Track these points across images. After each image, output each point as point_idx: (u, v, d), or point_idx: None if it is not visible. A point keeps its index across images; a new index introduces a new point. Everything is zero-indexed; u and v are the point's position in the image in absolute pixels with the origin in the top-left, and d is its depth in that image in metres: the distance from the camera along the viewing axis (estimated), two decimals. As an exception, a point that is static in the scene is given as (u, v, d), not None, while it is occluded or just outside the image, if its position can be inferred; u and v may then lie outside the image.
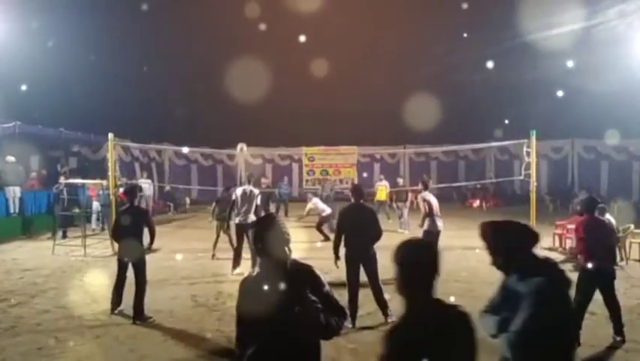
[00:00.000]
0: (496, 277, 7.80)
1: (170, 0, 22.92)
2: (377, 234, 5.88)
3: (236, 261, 8.31)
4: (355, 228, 5.90)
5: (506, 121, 21.66)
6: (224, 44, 22.47)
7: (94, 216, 13.82)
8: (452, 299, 6.72)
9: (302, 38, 21.98)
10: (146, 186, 15.82)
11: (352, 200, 6.26)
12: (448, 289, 7.36)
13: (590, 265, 5.17)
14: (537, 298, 2.27)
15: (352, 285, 5.97)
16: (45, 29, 17.46)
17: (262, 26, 22.16)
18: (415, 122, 20.72)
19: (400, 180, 14.49)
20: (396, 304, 5.44)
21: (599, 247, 5.22)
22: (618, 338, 5.15)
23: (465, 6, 21.90)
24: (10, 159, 13.27)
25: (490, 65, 21.58)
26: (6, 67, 14.04)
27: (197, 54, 23.14)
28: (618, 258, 9.22)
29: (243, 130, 23.30)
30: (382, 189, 15.12)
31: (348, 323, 5.61)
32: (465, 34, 22.70)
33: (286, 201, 17.41)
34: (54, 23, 17.36)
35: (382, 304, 5.93)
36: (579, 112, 18.68)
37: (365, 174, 23.72)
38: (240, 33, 22.45)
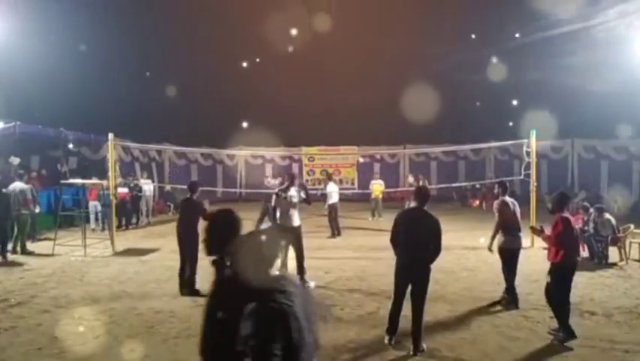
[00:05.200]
0: (496, 277, 7.80)
1: (171, 1, 22.95)
2: (436, 249, 4.98)
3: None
4: (411, 236, 5.04)
5: (506, 121, 21.66)
6: (224, 44, 22.50)
7: (92, 217, 13.80)
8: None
9: (302, 39, 21.99)
10: (147, 186, 15.81)
11: (415, 203, 5.27)
12: (448, 289, 7.39)
13: (569, 258, 5.27)
14: None
15: (396, 300, 5.18)
16: (45, 29, 17.45)
17: (262, 27, 22.16)
18: (415, 122, 20.74)
19: (411, 179, 14.59)
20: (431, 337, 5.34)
21: (570, 242, 5.34)
22: (553, 331, 5.28)
23: (465, 6, 21.94)
24: (16, 160, 13.32)
25: (490, 65, 21.61)
26: (6, 67, 14.03)
27: (197, 54, 23.15)
28: (618, 258, 9.27)
29: (243, 130, 23.35)
30: (377, 187, 15.65)
31: (385, 338, 5.26)
32: (465, 35, 22.72)
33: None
34: (54, 23, 17.35)
35: (417, 333, 5.00)
36: (579, 112, 18.66)
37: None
38: (240, 33, 22.47)
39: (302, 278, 7.42)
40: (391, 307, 5.24)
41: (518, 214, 6.85)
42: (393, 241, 5.19)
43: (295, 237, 7.53)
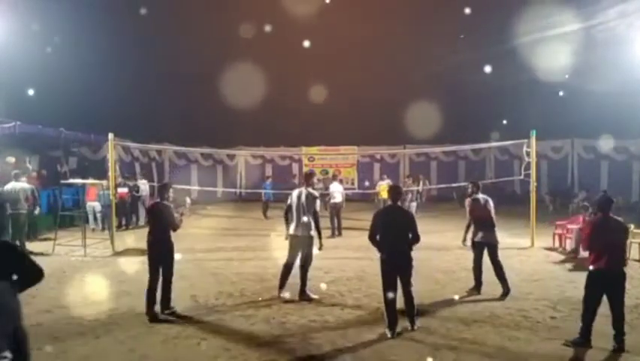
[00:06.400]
0: (495, 276, 7.71)
1: (171, 1, 22.94)
2: (415, 237, 5.57)
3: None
4: (390, 230, 5.60)
5: (506, 121, 21.67)
6: (224, 44, 22.48)
7: (90, 217, 13.75)
8: (456, 297, 6.76)
9: (302, 38, 21.97)
10: (143, 186, 15.79)
11: (390, 201, 5.90)
12: (447, 289, 7.39)
13: (596, 266, 5.04)
14: None
15: (389, 294, 5.52)
16: (45, 29, 17.45)
17: (262, 26, 22.15)
18: (415, 123, 20.75)
19: (409, 180, 14.68)
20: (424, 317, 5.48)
21: (611, 246, 5.01)
22: (616, 347, 4.98)
23: (465, 6, 21.92)
24: (12, 159, 13.31)
25: (490, 65, 21.59)
26: (6, 67, 14.03)
27: (197, 54, 23.14)
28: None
29: (243, 130, 23.36)
30: (385, 188, 15.33)
31: (388, 333, 5.41)
32: (465, 35, 22.71)
33: (268, 201, 17.22)
34: (54, 23, 17.35)
35: (410, 313, 5.60)
36: (579, 112, 18.67)
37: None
38: (240, 33, 22.46)
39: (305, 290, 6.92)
40: (386, 303, 5.50)
41: (491, 210, 7.21)
42: (372, 238, 5.70)
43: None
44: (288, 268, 6.88)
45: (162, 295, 6.23)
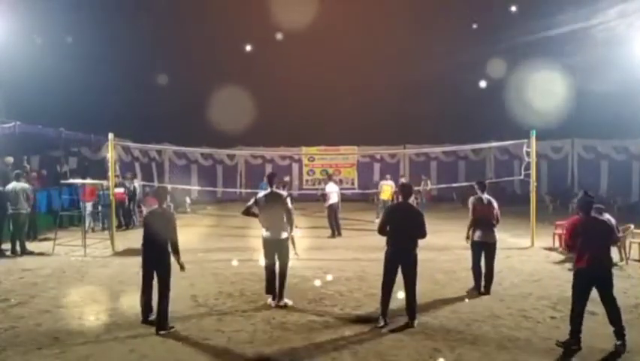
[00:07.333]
0: (496, 277, 7.75)
1: (171, 3, 22.95)
2: (422, 234, 5.78)
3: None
4: (399, 226, 5.77)
5: (507, 121, 21.63)
6: (224, 44, 22.49)
7: (88, 218, 13.68)
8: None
9: (302, 38, 21.98)
10: (133, 186, 15.73)
11: (400, 199, 6.13)
12: (448, 289, 7.39)
13: (578, 266, 5.12)
14: None
15: (386, 285, 5.77)
16: (45, 30, 17.46)
17: (262, 26, 22.16)
18: (415, 122, 20.73)
19: (403, 180, 14.70)
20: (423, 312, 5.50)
21: (592, 246, 5.06)
22: (619, 343, 5.00)
23: (465, 6, 21.94)
24: (10, 159, 13.29)
25: (490, 64, 21.59)
26: (6, 67, 14.02)
27: (197, 54, 23.15)
28: (618, 258, 9.24)
29: (242, 130, 23.36)
30: (387, 189, 15.24)
31: (380, 322, 5.67)
32: (465, 34, 22.72)
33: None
34: (54, 24, 17.35)
35: (411, 311, 5.75)
36: (579, 112, 18.66)
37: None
38: (240, 33, 22.47)
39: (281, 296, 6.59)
40: (382, 293, 5.78)
41: (495, 211, 7.23)
42: (381, 231, 5.86)
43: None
44: (269, 270, 6.61)
45: (158, 311, 5.67)
